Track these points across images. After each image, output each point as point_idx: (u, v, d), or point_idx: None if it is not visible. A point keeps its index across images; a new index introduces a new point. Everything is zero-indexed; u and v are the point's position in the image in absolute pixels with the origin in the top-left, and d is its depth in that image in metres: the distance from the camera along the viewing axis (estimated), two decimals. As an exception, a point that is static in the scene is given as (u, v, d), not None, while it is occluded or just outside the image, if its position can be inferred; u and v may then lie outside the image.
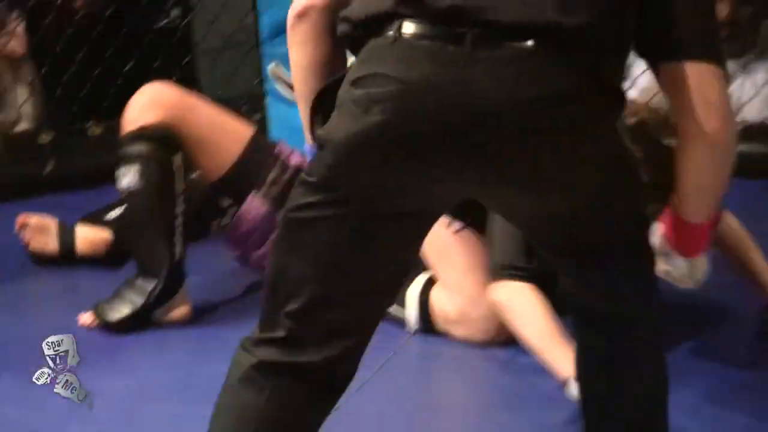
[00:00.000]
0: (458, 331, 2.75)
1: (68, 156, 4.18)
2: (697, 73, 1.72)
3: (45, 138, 4.18)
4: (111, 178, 2.96)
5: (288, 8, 1.95)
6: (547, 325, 2.49)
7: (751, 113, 4.20)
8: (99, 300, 2.89)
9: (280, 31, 3.69)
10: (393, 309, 2.77)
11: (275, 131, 3.87)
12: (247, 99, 4.17)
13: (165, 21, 4.33)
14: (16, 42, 4.43)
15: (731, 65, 4.04)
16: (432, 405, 2.56)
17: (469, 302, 2.72)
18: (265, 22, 3.85)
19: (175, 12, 4.30)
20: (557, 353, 2.40)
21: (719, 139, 1.78)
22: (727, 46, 3.49)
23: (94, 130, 4.17)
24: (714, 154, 1.81)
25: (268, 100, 3.92)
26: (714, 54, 1.74)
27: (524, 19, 1.54)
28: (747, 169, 3.64)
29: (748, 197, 3.60)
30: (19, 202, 3.74)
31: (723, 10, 4.13)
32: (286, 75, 3.57)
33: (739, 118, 3.99)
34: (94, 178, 3.91)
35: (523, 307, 2.57)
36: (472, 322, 2.73)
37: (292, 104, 3.79)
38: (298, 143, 3.65)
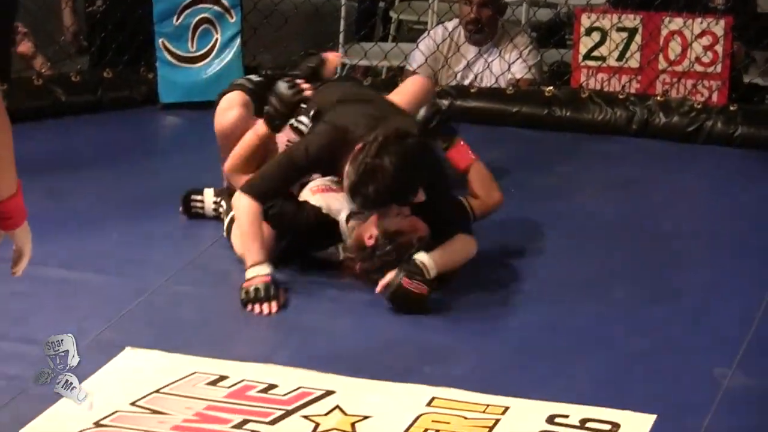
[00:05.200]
0: None
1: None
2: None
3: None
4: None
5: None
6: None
7: (517, 73, 5.72)
8: None
9: (166, 16, 5.57)
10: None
11: (162, 86, 5.68)
12: (144, 64, 5.81)
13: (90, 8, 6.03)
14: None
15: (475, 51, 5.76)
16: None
17: None
18: (157, 10, 5.63)
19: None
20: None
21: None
22: (472, 37, 5.26)
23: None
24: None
25: (158, 64, 5.71)
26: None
27: None
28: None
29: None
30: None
31: (470, 12, 5.62)
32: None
33: (510, 76, 5.67)
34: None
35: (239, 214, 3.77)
36: None
37: (174, 67, 5.61)
38: (179, 96, 5.49)
